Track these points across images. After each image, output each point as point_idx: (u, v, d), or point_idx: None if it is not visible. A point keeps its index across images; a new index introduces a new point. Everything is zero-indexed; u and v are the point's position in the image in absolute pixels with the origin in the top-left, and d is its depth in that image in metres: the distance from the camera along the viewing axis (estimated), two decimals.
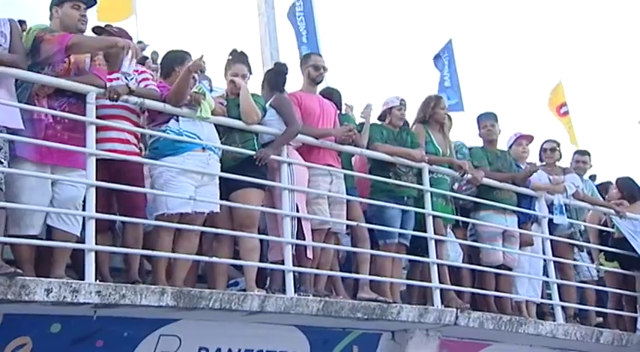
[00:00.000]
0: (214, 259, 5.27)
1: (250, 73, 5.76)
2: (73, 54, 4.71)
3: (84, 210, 4.61)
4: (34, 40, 4.69)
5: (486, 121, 7.15)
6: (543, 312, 7.29)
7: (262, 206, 5.54)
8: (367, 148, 6.24)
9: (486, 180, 6.79)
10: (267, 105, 5.78)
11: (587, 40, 32.53)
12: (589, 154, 8.36)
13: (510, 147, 7.40)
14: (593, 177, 9.41)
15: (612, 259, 7.73)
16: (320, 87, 6.48)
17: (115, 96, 4.77)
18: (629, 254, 7.43)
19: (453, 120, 7.41)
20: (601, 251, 7.81)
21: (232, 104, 5.59)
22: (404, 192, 6.28)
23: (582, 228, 7.73)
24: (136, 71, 5.23)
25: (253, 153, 5.40)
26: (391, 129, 6.52)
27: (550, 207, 7.33)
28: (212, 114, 5.28)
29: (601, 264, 7.75)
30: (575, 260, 7.61)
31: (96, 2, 5.03)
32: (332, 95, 6.57)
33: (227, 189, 5.33)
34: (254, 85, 6.07)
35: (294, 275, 5.35)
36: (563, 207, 7.29)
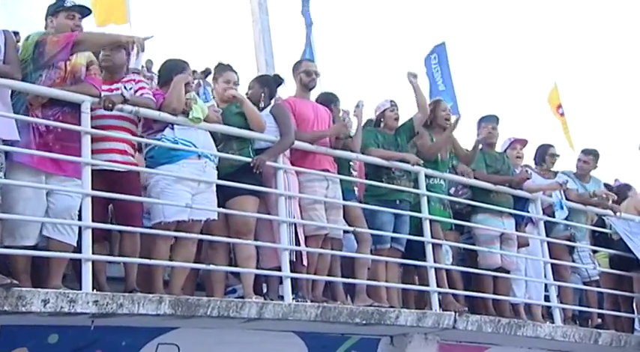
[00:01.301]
0: (211, 267, 5.26)
1: (237, 83, 5.81)
2: (78, 52, 4.71)
3: (80, 220, 4.60)
4: (36, 44, 4.68)
5: (488, 123, 7.19)
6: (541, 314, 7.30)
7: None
8: (362, 153, 6.24)
9: (483, 183, 6.82)
10: (268, 111, 5.80)
11: (581, 42, 32.63)
12: (594, 154, 8.03)
13: (505, 151, 7.43)
14: None
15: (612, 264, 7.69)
16: (314, 92, 6.49)
17: (110, 105, 4.77)
18: (625, 254, 7.43)
19: None
20: (595, 252, 7.82)
21: (227, 112, 5.60)
22: (396, 196, 6.27)
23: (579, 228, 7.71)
24: (133, 80, 5.25)
25: (249, 159, 5.41)
26: (386, 132, 6.53)
27: (547, 208, 7.34)
28: (208, 121, 5.30)
29: (599, 264, 7.75)
30: (574, 261, 7.60)
31: (90, 12, 5.05)
32: (328, 98, 6.58)
33: (223, 196, 5.33)
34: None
35: (291, 282, 5.34)
36: (562, 202, 7.30)
